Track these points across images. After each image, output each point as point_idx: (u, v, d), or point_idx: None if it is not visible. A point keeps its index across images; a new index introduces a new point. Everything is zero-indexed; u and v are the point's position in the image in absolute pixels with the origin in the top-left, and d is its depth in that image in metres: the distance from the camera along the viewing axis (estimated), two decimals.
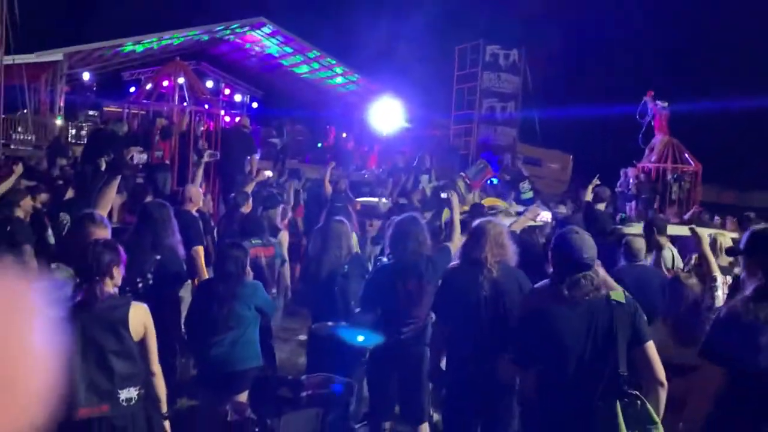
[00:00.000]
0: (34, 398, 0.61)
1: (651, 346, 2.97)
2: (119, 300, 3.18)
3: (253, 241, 5.39)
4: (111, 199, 3.88)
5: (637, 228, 6.92)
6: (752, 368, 2.57)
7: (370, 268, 5.76)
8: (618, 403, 2.91)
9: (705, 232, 4.80)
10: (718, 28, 18.91)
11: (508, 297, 3.72)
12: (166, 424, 3.31)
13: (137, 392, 3.10)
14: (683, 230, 6.51)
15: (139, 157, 4.08)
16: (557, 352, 2.96)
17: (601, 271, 3.10)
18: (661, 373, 2.95)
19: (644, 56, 20.85)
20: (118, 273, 3.22)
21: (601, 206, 7.86)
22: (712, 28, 18.89)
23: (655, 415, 2.91)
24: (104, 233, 3.39)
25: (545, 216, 8.04)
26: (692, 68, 19.05)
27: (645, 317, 3.03)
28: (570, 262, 2.99)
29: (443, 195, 7.51)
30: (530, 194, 11.69)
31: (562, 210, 12.03)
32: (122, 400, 3.04)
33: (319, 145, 22.25)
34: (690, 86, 16.63)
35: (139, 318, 3.16)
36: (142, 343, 3.18)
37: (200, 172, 7.71)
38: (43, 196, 7.06)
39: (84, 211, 3.64)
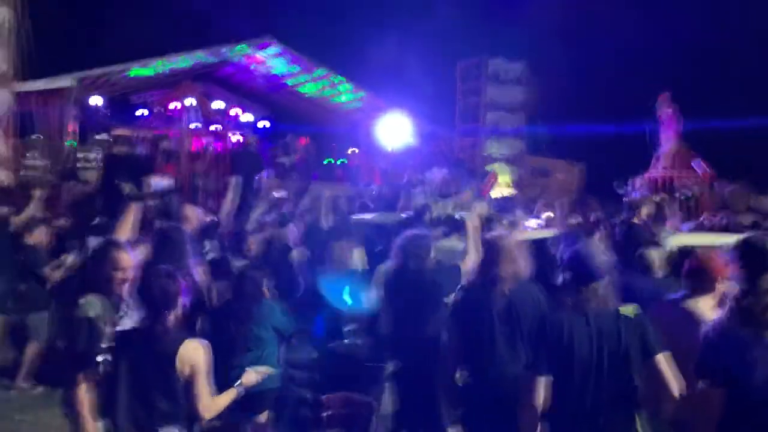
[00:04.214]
0: None
1: (661, 359, 2.93)
2: (175, 334, 3.09)
3: None
4: (129, 225, 3.93)
5: (674, 239, 6.38)
6: (748, 385, 2.47)
7: None
8: (636, 416, 2.93)
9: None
10: (729, 37, 18.82)
11: (522, 312, 3.74)
12: None
13: (178, 431, 3.06)
14: (704, 239, 6.32)
15: (161, 182, 4.10)
16: (566, 361, 2.97)
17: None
18: (673, 386, 2.90)
19: (654, 65, 20.80)
20: (181, 303, 3.16)
21: (637, 218, 7.01)
22: (723, 38, 18.81)
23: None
24: (128, 259, 3.40)
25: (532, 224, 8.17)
26: (702, 77, 18.94)
27: (653, 331, 2.99)
28: (577, 272, 3.07)
29: (457, 217, 7.49)
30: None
31: (549, 215, 12.00)
32: None
33: (326, 161, 22.27)
34: (702, 95, 16.54)
35: (188, 355, 3.05)
36: (188, 381, 3.08)
37: (230, 195, 7.08)
38: (61, 222, 7.10)
39: (107, 237, 3.65)
